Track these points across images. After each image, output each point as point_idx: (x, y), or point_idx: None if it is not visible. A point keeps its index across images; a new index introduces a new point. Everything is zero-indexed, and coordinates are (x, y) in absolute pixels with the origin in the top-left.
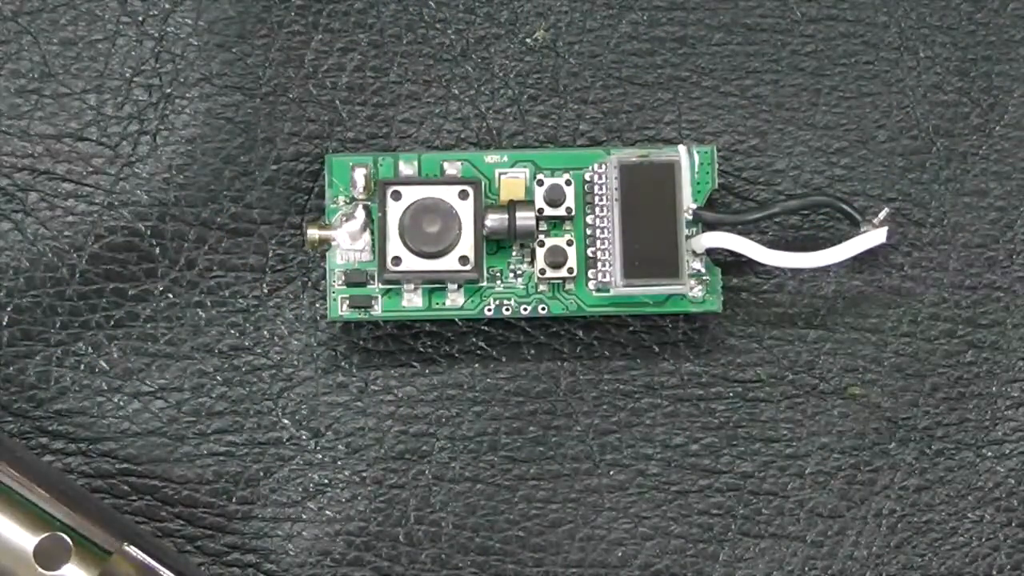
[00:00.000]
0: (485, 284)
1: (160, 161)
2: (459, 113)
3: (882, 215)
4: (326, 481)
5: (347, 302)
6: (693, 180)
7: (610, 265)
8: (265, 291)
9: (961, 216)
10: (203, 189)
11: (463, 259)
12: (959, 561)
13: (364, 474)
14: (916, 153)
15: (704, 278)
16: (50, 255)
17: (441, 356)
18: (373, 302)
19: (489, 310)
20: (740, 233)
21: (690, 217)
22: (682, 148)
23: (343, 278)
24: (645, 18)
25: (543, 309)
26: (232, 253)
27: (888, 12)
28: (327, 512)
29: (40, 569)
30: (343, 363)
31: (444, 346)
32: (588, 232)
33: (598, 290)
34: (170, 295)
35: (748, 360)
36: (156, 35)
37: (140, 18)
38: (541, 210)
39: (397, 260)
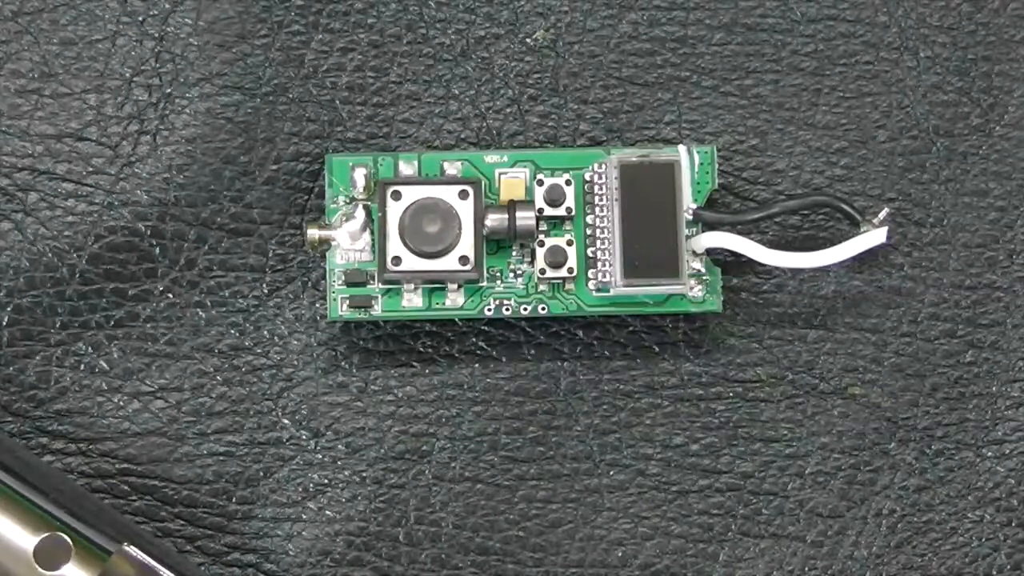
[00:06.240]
0: (485, 284)
1: (160, 161)
2: (459, 113)
3: (882, 215)
4: (326, 481)
5: (347, 302)
6: (693, 180)
7: (610, 265)
8: (265, 291)
9: (961, 216)
10: (203, 189)
11: (463, 259)
12: (959, 561)
13: (364, 474)
14: (916, 153)
15: (704, 278)
16: (50, 255)
17: (441, 356)
18: (373, 302)
19: (489, 310)
20: (740, 233)
21: (690, 217)
22: (682, 148)
23: (343, 278)
24: (645, 18)
25: (543, 309)
26: (232, 253)
27: (888, 12)
28: (327, 512)
29: (40, 569)
30: (343, 363)
31: (444, 346)
32: (588, 232)
33: (598, 290)
34: (170, 295)
35: (748, 360)
36: (156, 35)
37: (140, 18)
38: (541, 210)
39: (397, 260)
